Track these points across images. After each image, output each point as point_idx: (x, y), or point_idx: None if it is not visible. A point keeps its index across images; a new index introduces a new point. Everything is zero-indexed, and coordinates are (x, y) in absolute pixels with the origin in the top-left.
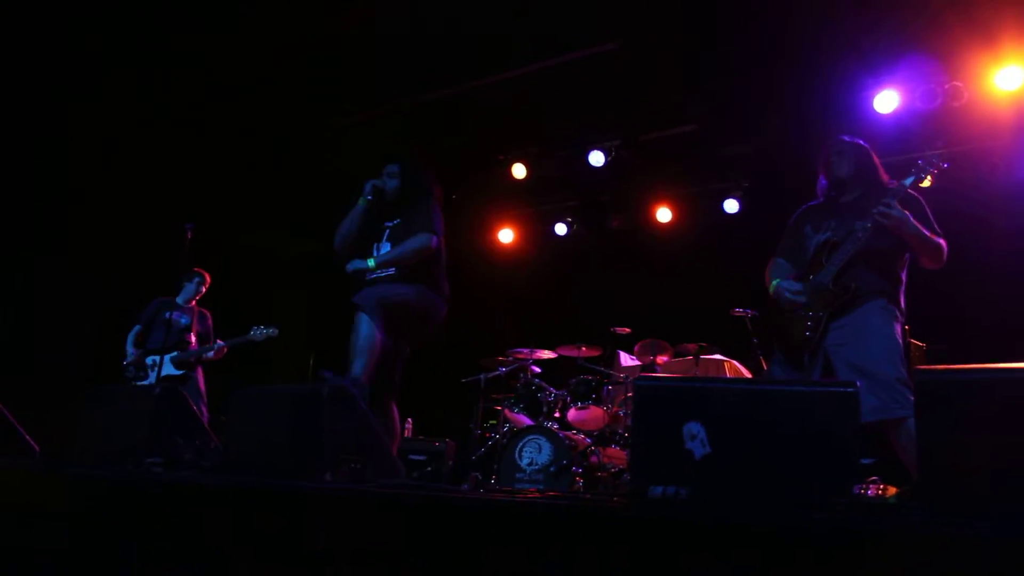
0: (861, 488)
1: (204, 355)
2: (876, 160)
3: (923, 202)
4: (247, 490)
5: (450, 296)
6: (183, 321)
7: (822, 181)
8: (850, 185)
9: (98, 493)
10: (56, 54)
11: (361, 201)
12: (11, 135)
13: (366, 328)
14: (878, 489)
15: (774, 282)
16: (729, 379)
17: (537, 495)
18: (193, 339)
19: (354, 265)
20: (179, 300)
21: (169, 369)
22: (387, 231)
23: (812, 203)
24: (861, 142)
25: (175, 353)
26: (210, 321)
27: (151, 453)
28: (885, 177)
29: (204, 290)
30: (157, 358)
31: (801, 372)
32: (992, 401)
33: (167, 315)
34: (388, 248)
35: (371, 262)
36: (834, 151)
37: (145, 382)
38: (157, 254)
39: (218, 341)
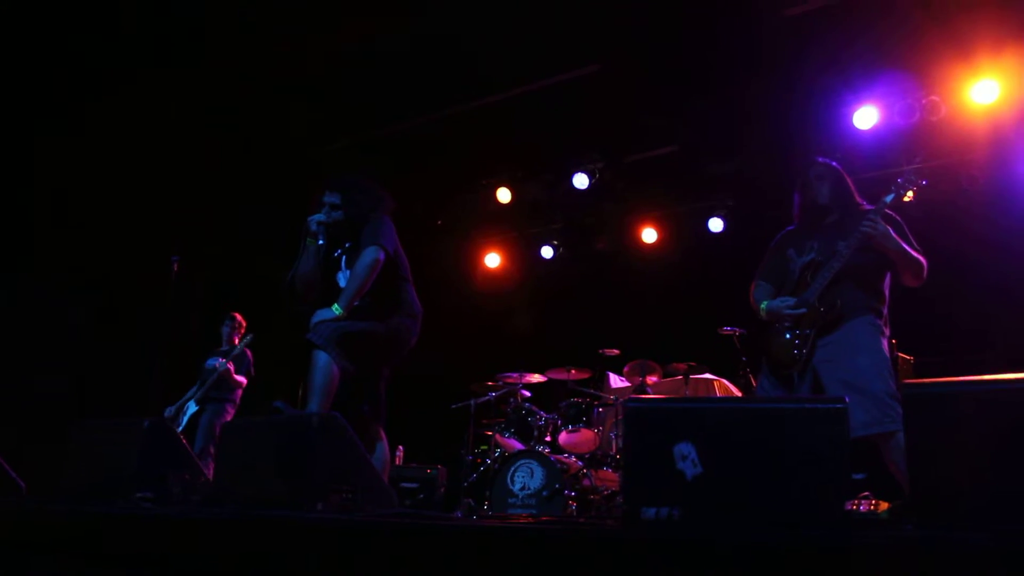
0: (853, 504)
1: (212, 378)
2: (851, 182)
3: (902, 222)
4: (238, 522)
5: (422, 312)
6: (212, 363)
7: (796, 200)
8: (829, 209)
9: (88, 529)
10: (49, 77)
11: (310, 243)
12: None
13: (323, 363)
14: (870, 504)
15: (763, 304)
16: (719, 398)
17: (531, 520)
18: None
19: (319, 316)
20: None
21: (192, 408)
22: (343, 259)
23: (791, 228)
24: (836, 165)
25: (199, 394)
26: (248, 357)
27: (141, 487)
28: (859, 199)
29: (239, 329)
30: (190, 403)
31: (789, 390)
32: (980, 413)
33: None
34: (348, 274)
35: (336, 309)
36: (815, 175)
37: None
38: (147, 286)
39: (220, 360)
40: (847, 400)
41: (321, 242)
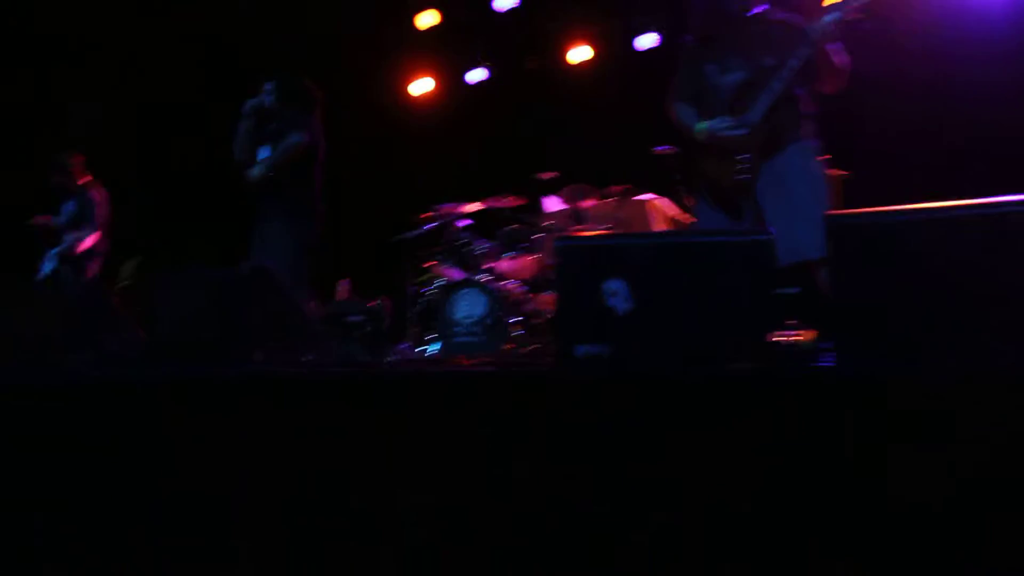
0: (778, 335)
1: (65, 247)
2: None
3: None
4: (179, 381)
5: (324, 214)
6: (65, 208)
7: (700, 6)
8: (743, 18)
9: (25, 396)
10: None
11: (243, 121)
12: None
13: None
14: (795, 335)
15: (701, 125)
16: (647, 233)
17: (465, 363)
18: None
19: (250, 174)
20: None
21: (48, 265)
22: (267, 136)
23: (696, 38)
24: None
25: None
26: (96, 207)
27: (75, 349)
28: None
29: (69, 171)
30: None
31: (732, 215)
32: (902, 245)
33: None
34: (268, 150)
35: (256, 169)
36: None
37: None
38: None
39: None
40: (774, 231)
41: (244, 123)
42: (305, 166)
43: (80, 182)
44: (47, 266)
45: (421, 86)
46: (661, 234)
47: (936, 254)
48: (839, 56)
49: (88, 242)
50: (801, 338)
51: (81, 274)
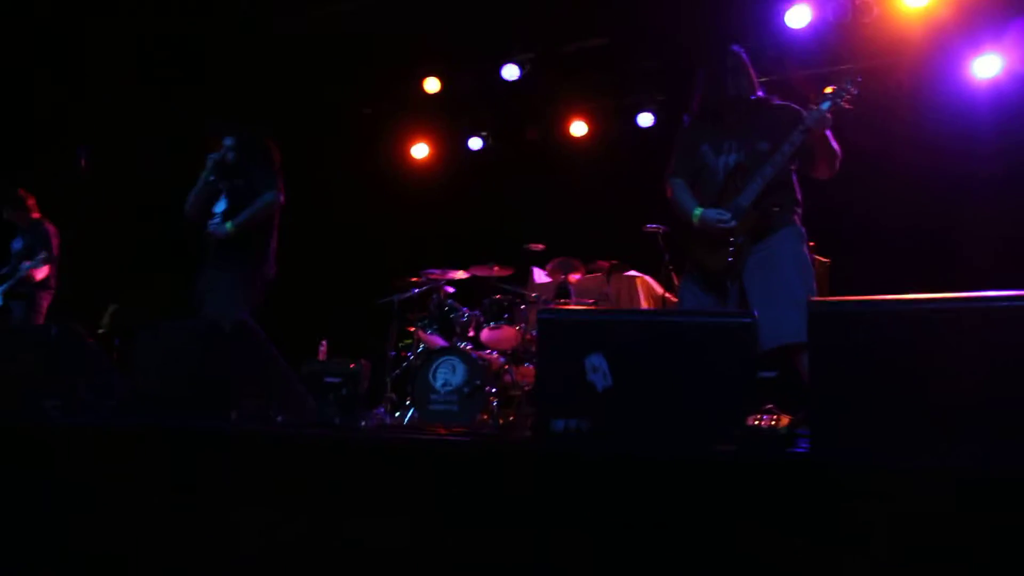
0: (756, 418)
1: (18, 279)
2: (754, 73)
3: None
4: (146, 433)
5: (273, 279)
6: (14, 246)
7: (700, 87)
8: (741, 102)
9: None
10: None
11: (205, 175)
12: None
13: None
14: (771, 420)
15: (696, 211)
16: (629, 311)
17: (442, 433)
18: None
19: (220, 230)
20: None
21: None
22: (225, 191)
23: (695, 118)
24: (744, 54)
25: (5, 285)
26: (51, 239)
27: (48, 395)
28: (761, 91)
29: (24, 206)
30: None
31: (720, 298)
32: (883, 335)
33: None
34: (225, 204)
35: (228, 226)
36: (731, 65)
37: None
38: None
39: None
40: (757, 314)
41: (212, 178)
42: (267, 224)
43: (33, 216)
44: None
45: (420, 150)
46: (643, 312)
47: (914, 346)
48: (834, 143)
49: (44, 271)
50: (777, 423)
51: (33, 308)
